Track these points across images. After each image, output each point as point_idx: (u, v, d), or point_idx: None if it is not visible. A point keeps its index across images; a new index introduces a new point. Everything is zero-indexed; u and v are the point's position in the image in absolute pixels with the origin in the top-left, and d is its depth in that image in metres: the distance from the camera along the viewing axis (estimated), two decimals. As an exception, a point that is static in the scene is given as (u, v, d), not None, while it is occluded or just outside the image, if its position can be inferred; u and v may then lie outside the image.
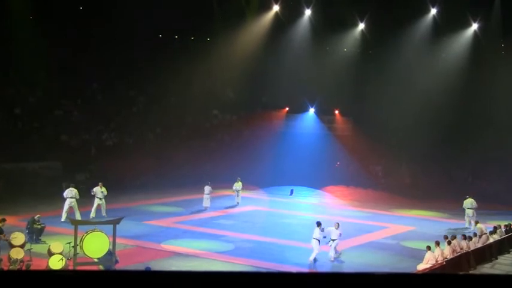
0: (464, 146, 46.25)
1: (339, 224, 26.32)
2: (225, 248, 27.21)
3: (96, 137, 46.85)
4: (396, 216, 37.80)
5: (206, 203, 36.46)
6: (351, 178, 46.67)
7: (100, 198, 31.48)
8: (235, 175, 39.50)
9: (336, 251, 25.85)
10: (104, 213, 31.37)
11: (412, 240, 30.36)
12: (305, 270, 23.91)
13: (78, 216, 29.67)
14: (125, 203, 34.90)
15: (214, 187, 37.13)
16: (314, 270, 23.89)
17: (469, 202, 34.59)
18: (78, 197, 30.56)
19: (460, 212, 35.16)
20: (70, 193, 30.40)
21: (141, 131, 48.74)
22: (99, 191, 31.53)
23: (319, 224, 25.59)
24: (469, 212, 34.41)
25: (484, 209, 36.79)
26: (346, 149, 49.67)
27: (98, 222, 23.99)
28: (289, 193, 44.06)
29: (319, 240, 25.13)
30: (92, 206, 31.33)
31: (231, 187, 38.78)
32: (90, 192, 31.54)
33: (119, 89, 50.57)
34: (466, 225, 33.98)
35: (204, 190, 36.60)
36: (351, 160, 48.58)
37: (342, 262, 25.51)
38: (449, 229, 32.65)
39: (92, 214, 31.01)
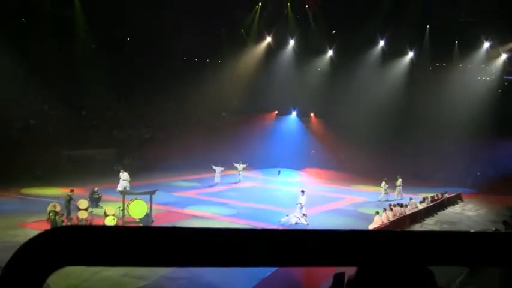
0: (404, 139, 46.28)
1: (303, 192, 26.35)
2: (230, 212, 27.39)
3: (137, 132, 46.88)
4: (354, 190, 38.05)
5: (217, 179, 36.66)
6: (322, 162, 46.67)
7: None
8: (239, 159, 39.56)
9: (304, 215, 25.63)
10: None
11: (365, 207, 30.54)
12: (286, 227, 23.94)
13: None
14: (157, 179, 35.02)
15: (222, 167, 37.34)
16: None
17: (399, 181, 34.80)
18: (129, 178, 30.58)
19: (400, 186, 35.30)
20: (123, 175, 30.53)
21: (169, 128, 48.74)
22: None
23: (303, 192, 25.78)
24: (399, 188, 34.62)
25: (419, 185, 36.94)
26: (319, 141, 49.72)
27: (139, 193, 24.13)
28: (277, 173, 44.14)
29: (302, 206, 25.32)
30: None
31: (235, 168, 38.78)
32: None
33: (154, 97, 50.46)
34: (395, 197, 34.10)
35: (215, 170, 36.69)
36: (322, 149, 48.57)
37: (314, 220, 25.56)
38: (391, 199, 32.85)
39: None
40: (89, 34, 45.76)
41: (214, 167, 36.81)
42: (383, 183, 34.10)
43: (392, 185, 34.69)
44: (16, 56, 38.74)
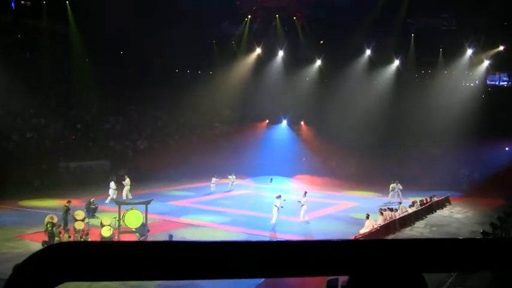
0: (392, 145, 46.42)
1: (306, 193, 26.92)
2: (225, 220, 27.31)
3: (132, 143, 46.78)
4: (346, 195, 38.03)
5: (213, 188, 36.66)
6: (314, 169, 46.62)
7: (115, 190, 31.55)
8: (232, 169, 39.54)
9: (307, 221, 26.03)
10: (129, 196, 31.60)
11: (357, 212, 30.42)
12: (279, 235, 23.97)
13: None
14: (153, 189, 34.87)
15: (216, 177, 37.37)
16: (274, 233, 24.06)
17: (392, 186, 35.00)
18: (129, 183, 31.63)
19: (388, 191, 35.43)
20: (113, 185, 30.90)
21: (164, 139, 48.65)
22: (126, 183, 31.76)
23: (279, 196, 26.04)
24: (393, 193, 34.85)
25: (406, 189, 37.05)
26: (310, 149, 49.68)
27: (135, 203, 24.02)
28: (269, 181, 44.04)
29: (278, 208, 25.48)
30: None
31: (226, 177, 38.87)
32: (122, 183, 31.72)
33: (148, 109, 50.45)
34: (389, 199, 34.29)
35: (211, 180, 36.84)
36: (313, 156, 48.55)
37: (308, 225, 25.59)
38: (382, 204, 32.86)
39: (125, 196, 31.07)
40: (84, 48, 45.79)
41: (213, 178, 36.97)
42: (392, 185, 34.39)
43: (386, 190, 34.97)
44: (12, 70, 38.72)
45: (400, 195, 34.25)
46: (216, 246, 1.27)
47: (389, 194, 34.82)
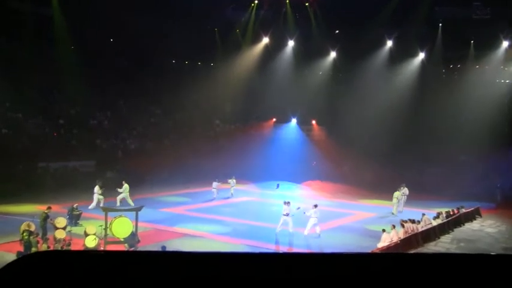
0: (414, 149, 46.34)
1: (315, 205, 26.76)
2: (224, 230, 27.19)
3: (122, 142, 46.82)
4: (361, 205, 37.88)
5: (215, 194, 36.85)
6: (325, 174, 46.59)
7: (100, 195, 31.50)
8: (233, 172, 39.56)
9: (318, 234, 25.99)
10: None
11: (373, 224, 30.32)
12: (283, 248, 23.99)
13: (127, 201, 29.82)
14: (145, 194, 34.86)
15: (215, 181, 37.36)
16: (291, 248, 24.16)
17: (397, 194, 34.66)
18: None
19: (407, 201, 35.28)
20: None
21: (158, 138, 48.70)
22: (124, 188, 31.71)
23: (287, 203, 26.57)
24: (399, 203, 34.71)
25: (428, 199, 36.89)
26: (321, 152, 49.67)
27: (124, 209, 23.96)
28: (275, 187, 44.02)
29: (288, 215, 26.04)
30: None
31: (227, 182, 38.90)
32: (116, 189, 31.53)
33: (140, 104, 50.54)
34: (400, 209, 34.19)
35: (212, 185, 37.06)
36: (325, 160, 48.52)
37: (318, 239, 25.52)
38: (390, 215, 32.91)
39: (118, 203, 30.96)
40: (68, 35, 45.66)
41: (214, 183, 37.09)
42: (397, 193, 34.22)
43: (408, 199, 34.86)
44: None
45: (402, 203, 34.18)
46: (213, 258, 1.26)
47: (394, 207, 34.38)
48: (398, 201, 34.18)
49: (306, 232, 25.92)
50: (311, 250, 23.58)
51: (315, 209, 26.39)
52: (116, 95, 49.23)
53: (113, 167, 40.85)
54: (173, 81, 50.24)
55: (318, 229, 26.11)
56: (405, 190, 34.87)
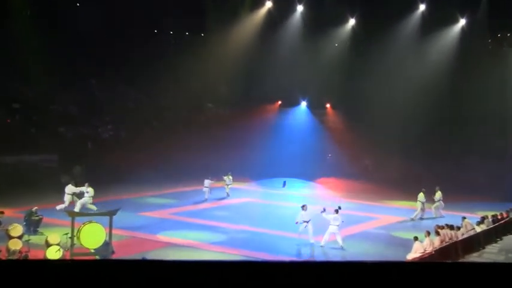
0: (449, 139, 46.33)
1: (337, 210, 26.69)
2: (218, 238, 27.17)
3: (93, 131, 46.78)
4: (386, 207, 37.92)
5: (207, 194, 36.95)
6: (342, 170, 46.62)
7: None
8: (229, 168, 39.56)
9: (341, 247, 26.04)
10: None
11: (401, 230, 30.37)
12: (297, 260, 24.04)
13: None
14: (121, 195, 34.79)
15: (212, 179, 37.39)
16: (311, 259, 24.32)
17: (438, 195, 34.69)
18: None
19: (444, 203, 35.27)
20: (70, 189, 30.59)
21: (137, 125, 48.65)
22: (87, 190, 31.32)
23: (304, 206, 26.81)
24: (437, 204, 34.69)
25: (470, 200, 36.87)
26: (338, 142, 49.67)
27: (95, 214, 23.95)
28: (281, 185, 44.05)
29: (304, 222, 26.28)
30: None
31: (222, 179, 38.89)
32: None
33: (115, 84, 50.43)
34: (434, 215, 34.25)
35: (204, 183, 37.05)
36: (342, 152, 48.54)
37: (335, 249, 25.55)
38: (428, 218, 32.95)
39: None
40: (26, 2, 45.54)
41: (206, 181, 37.12)
42: (421, 195, 34.19)
43: (430, 199, 34.77)
44: None
45: (423, 208, 34.21)
46: (201, 267, 1.27)
47: (417, 211, 34.41)
48: (422, 204, 34.13)
49: (322, 242, 25.92)
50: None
51: (335, 215, 26.28)
52: (85, 73, 49.04)
53: (81, 161, 40.79)
54: (155, 55, 50.10)
55: (339, 239, 25.99)
56: (438, 194, 34.80)
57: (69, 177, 32.68)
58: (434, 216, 34.03)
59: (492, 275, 1.19)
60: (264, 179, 44.60)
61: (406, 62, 49.65)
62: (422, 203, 34.05)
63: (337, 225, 26.03)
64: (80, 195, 30.97)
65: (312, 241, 26.16)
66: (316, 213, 26.72)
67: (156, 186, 39.33)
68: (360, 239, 28.11)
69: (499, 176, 42.82)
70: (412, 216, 33.67)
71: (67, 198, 30.89)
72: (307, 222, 26.34)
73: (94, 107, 48.40)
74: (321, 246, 25.77)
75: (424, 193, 34.22)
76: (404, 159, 44.94)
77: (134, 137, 46.54)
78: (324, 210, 26.81)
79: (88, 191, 30.77)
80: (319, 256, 24.99)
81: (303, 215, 26.56)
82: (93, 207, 30.28)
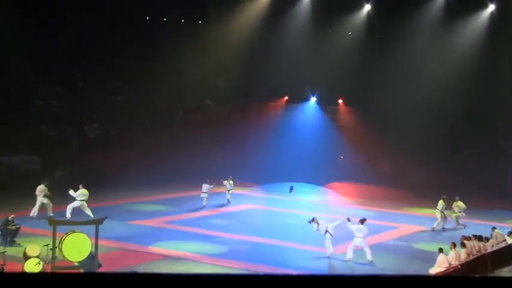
0: (478, 138, 46.26)
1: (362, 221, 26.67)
2: (218, 250, 27.10)
3: (78, 129, 46.76)
4: (406, 215, 37.98)
5: (205, 201, 36.95)
6: (356, 174, 46.57)
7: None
8: (230, 171, 39.50)
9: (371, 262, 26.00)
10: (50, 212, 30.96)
11: (424, 241, 30.39)
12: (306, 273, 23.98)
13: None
14: (109, 201, 34.82)
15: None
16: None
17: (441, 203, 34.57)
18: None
19: (470, 211, 35.18)
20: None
21: (128, 123, 48.61)
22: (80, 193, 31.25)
23: (312, 220, 26.74)
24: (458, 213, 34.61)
25: (501, 208, 36.84)
26: (351, 142, 49.60)
27: (79, 222, 23.87)
28: (288, 190, 44.01)
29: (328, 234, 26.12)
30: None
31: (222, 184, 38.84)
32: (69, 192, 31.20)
33: (102, 77, 50.26)
34: (454, 225, 34.28)
35: (202, 187, 36.98)
36: (356, 154, 48.49)
37: (350, 263, 25.52)
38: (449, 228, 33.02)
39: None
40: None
41: (205, 185, 37.08)
42: (440, 203, 34.13)
43: (450, 207, 34.71)
44: None
45: (444, 217, 34.14)
46: (202, 280, 1.24)
47: (437, 220, 34.23)
48: (442, 213, 34.03)
49: (348, 255, 25.85)
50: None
51: (359, 225, 26.19)
52: (69, 64, 48.93)
53: (65, 163, 40.79)
54: (147, 45, 50.06)
55: (368, 253, 25.93)
56: (460, 204, 34.69)
57: (50, 180, 32.51)
58: (454, 226, 33.97)
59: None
60: (269, 184, 44.63)
61: (428, 52, 49.53)
62: (442, 212, 33.93)
63: (362, 237, 25.99)
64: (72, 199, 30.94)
65: (328, 254, 26.01)
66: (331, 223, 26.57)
67: (149, 191, 39.34)
68: (377, 252, 27.89)
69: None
70: (434, 226, 33.57)
71: (39, 200, 30.87)
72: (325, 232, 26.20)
73: (79, 102, 48.22)
74: (345, 260, 25.62)
75: (444, 200, 34.09)
76: (427, 162, 44.83)
77: (124, 136, 46.51)
78: (349, 220, 26.75)
79: (78, 193, 30.76)
80: (334, 271, 24.91)
81: (318, 226, 26.43)
82: (90, 213, 30.21)
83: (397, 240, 30.99)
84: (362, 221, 26.47)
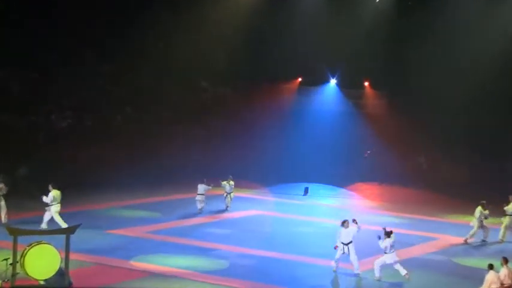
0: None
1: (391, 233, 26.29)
2: (216, 266, 26.86)
3: (45, 119, 46.69)
4: (446, 223, 37.97)
5: (200, 205, 36.90)
6: (384, 173, 46.58)
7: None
8: (230, 170, 39.49)
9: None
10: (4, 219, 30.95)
11: (468, 256, 30.29)
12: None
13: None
14: (81, 206, 34.87)
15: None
16: None
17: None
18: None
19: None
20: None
21: (106, 111, 48.52)
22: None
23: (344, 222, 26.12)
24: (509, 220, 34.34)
25: None
26: (379, 134, 49.49)
27: (46, 232, 23.67)
28: (302, 193, 43.94)
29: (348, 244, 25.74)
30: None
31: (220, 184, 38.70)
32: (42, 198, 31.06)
33: (75, 55, 50.07)
34: (500, 237, 34.04)
35: (197, 189, 36.86)
36: (385, 148, 48.40)
37: (379, 281, 25.36)
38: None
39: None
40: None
41: (200, 186, 36.93)
42: (478, 209, 33.93)
43: (497, 212, 34.55)
44: None
45: (483, 227, 33.86)
46: None
47: (473, 229, 33.96)
48: (481, 222, 33.79)
49: (376, 274, 25.66)
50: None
51: (389, 239, 25.88)
52: (32, 36, 48.70)
53: (28, 159, 40.72)
54: (129, 14, 49.90)
55: (402, 270, 25.69)
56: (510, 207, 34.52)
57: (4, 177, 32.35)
58: (500, 238, 33.71)
59: None
60: (278, 185, 44.84)
61: (473, 25, 49.14)
62: (481, 220, 33.65)
63: (394, 251, 25.73)
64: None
65: (357, 271, 25.75)
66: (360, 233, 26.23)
67: (132, 193, 39.49)
68: (411, 268, 27.68)
69: None
70: (468, 234, 33.36)
71: None
72: (347, 244, 25.85)
73: (46, 86, 48.05)
74: (377, 280, 25.40)
75: (483, 206, 33.79)
76: (474, 156, 44.76)
77: (101, 127, 46.41)
78: (380, 238, 26.34)
79: (50, 197, 30.49)
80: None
81: (341, 235, 26.02)
82: (61, 221, 30.08)
83: (435, 254, 30.86)
84: (389, 234, 26.02)
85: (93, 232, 29.11)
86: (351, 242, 25.81)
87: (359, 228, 25.93)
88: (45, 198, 30.54)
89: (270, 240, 31.47)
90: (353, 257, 25.75)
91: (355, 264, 25.75)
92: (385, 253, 25.63)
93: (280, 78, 54.16)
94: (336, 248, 25.90)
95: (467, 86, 46.95)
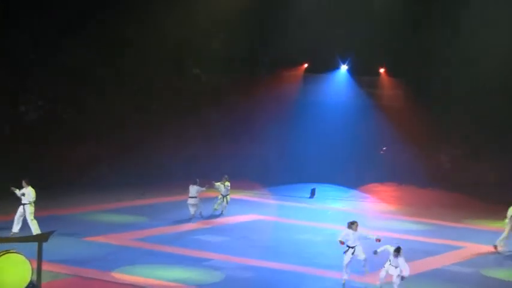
0: None
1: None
2: (210, 278, 26.66)
3: (13, 108, 46.64)
4: (473, 230, 37.94)
5: (193, 209, 36.64)
6: (403, 172, 46.54)
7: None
8: (226, 169, 39.42)
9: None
10: None
11: (498, 267, 30.13)
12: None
13: None
14: (55, 209, 34.83)
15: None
16: None
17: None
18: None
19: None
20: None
21: (84, 101, 48.37)
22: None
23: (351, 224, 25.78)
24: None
25: None
26: (397, 128, 49.38)
27: (15, 239, 23.46)
28: (308, 195, 43.87)
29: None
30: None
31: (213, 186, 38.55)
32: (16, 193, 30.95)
33: (49, 36, 49.94)
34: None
35: (189, 190, 36.63)
36: (404, 144, 48.32)
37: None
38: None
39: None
40: None
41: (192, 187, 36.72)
42: (510, 210, 33.76)
43: None
44: None
45: (507, 232, 33.74)
46: None
47: (504, 233, 33.89)
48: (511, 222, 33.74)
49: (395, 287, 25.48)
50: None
51: (394, 258, 25.62)
52: (4, 18, 48.70)
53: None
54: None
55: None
56: None
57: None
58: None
59: None
60: (281, 186, 44.87)
61: (505, 6, 49.03)
62: None
63: (399, 270, 25.53)
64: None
65: (378, 283, 25.23)
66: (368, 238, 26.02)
67: (114, 195, 39.48)
68: (433, 280, 27.65)
69: None
70: (499, 239, 33.11)
71: None
72: (353, 248, 25.56)
73: (14, 70, 47.89)
74: None
75: None
76: (502, 158, 44.74)
77: (79, 118, 46.30)
78: (376, 253, 26.09)
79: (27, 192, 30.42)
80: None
81: (348, 236, 25.71)
82: (35, 226, 29.90)
83: (461, 265, 30.59)
84: (397, 252, 25.69)
85: (69, 239, 29.05)
86: (356, 246, 25.62)
87: (379, 241, 25.66)
88: (17, 192, 30.41)
89: (271, 249, 31.35)
90: (362, 256, 25.44)
91: (364, 264, 25.43)
92: (390, 265, 25.42)
93: (283, 64, 53.98)
94: (341, 244, 25.52)
95: (499, 76, 46.84)
